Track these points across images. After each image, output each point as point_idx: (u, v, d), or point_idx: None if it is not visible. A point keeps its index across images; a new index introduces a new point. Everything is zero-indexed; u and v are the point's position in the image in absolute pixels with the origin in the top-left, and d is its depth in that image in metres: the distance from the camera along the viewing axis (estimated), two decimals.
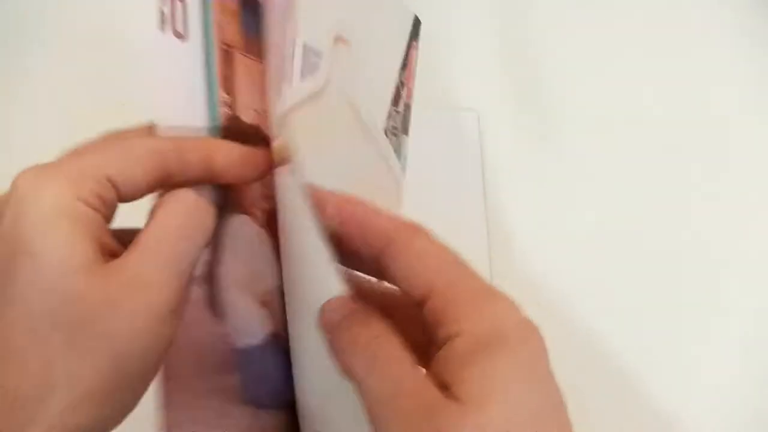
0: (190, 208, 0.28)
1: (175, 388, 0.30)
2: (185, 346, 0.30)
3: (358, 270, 0.29)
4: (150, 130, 0.30)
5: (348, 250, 0.28)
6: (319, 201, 0.28)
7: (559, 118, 0.59)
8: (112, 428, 0.26)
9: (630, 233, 0.54)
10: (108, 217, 0.27)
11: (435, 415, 0.23)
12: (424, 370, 0.25)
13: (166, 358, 0.28)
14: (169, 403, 0.30)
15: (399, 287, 0.27)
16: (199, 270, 0.30)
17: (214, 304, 0.30)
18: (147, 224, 0.27)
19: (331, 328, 0.27)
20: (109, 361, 0.25)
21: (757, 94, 0.58)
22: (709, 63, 0.60)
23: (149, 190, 0.28)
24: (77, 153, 0.28)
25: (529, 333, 0.25)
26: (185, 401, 0.30)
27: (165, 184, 0.28)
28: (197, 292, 0.30)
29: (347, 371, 0.26)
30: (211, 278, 0.30)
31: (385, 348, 0.25)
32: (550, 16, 0.64)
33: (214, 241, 0.30)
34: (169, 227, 0.27)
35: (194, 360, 0.30)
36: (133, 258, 0.26)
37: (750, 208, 0.55)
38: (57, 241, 0.24)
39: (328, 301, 0.27)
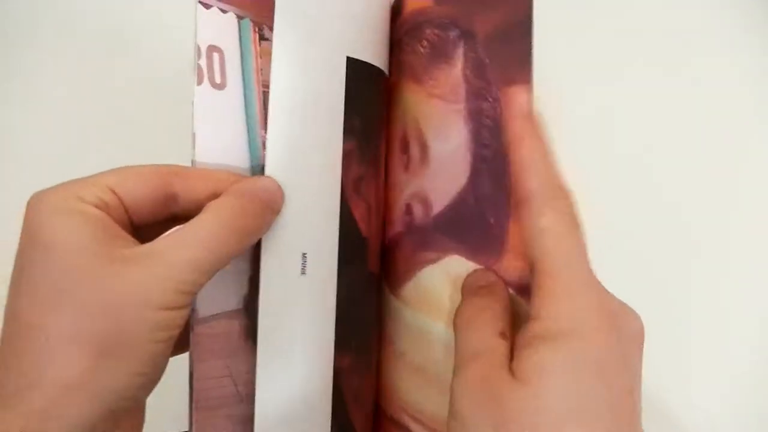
0: (226, 224, 0.29)
1: (206, 416, 0.31)
2: (221, 375, 0.32)
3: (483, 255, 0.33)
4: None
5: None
6: (521, 128, 0.31)
7: (559, 119, 0.59)
8: (112, 396, 0.27)
9: (631, 233, 0.55)
10: (116, 218, 0.29)
11: (497, 381, 0.26)
12: (506, 344, 0.28)
13: (196, 387, 0.31)
14: (198, 429, 0.32)
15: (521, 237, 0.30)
16: (241, 302, 0.32)
17: (253, 335, 0.32)
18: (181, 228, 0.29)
19: (467, 292, 0.32)
20: (111, 327, 0.26)
21: (761, 92, 0.58)
22: (711, 61, 0.60)
23: (157, 206, 0.30)
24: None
25: (602, 333, 0.26)
26: (216, 429, 0.32)
27: (172, 203, 0.30)
28: (237, 324, 0.32)
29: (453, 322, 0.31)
30: (250, 310, 0.32)
31: (483, 314, 0.29)
32: (550, 15, 0.63)
33: (255, 276, 0.32)
34: (195, 232, 0.28)
35: (230, 388, 0.32)
36: (149, 249, 0.28)
37: (753, 206, 0.55)
38: (61, 228, 0.27)
39: (476, 272, 0.32)
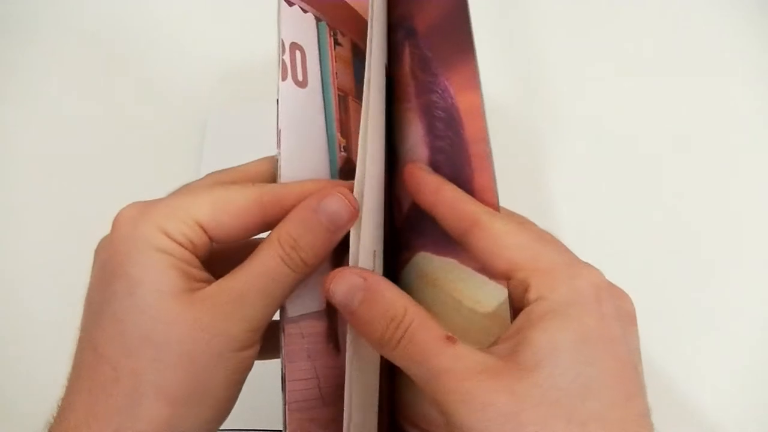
0: (288, 252, 0.29)
1: (297, 417, 0.31)
2: (308, 377, 0.32)
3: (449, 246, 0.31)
4: (268, 163, 0.32)
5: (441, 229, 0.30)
6: (416, 182, 0.31)
7: (560, 119, 0.61)
8: None
9: (631, 233, 0.55)
10: (198, 253, 0.29)
11: (494, 378, 0.25)
12: (454, 343, 0.26)
13: (288, 389, 0.31)
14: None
15: (483, 264, 0.29)
16: (323, 304, 0.32)
17: (334, 337, 0.32)
18: (245, 262, 0.29)
19: (351, 313, 0.28)
20: (192, 378, 0.27)
21: (763, 91, 0.60)
22: (710, 61, 0.62)
23: (248, 234, 0.30)
24: (177, 194, 0.31)
25: (604, 305, 0.26)
26: (307, 430, 0.31)
27: (262, 229, 0.30)
28: (321, 326, 0.32)
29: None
30: (331, 312, 0.32)
31: (414, 336, 0.27)
32: (551, 16, 0.65)
33: None
34: (260, 270, 0.29)
35: (315, 391, 0.32)
36: (223, 288, 0.28)
37: (754, 206, 0.56)
38: (149, 269, 0.27)
39: (338, 274, 0.29)
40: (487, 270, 0.29)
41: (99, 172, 0.60)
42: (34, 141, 0.61)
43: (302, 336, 0.31)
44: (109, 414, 0.26)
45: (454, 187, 0.30)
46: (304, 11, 0.32)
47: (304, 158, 0.32)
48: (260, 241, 0.30)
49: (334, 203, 0.29)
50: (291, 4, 0.32)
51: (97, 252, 0.29)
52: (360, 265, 0.30)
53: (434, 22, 0.30)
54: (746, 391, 0.50)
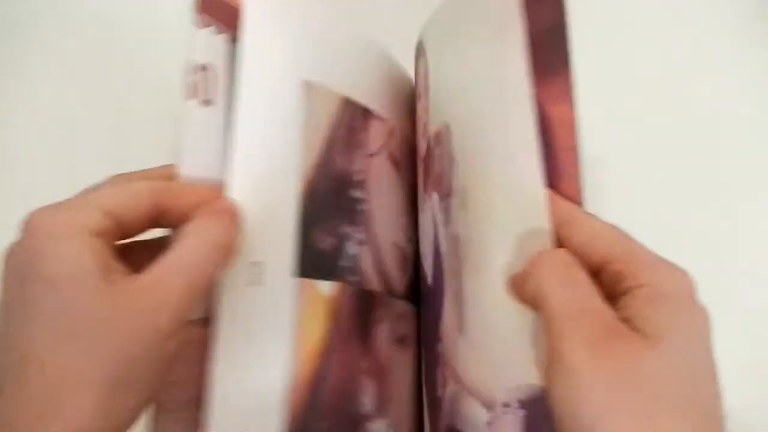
0: (209, 243, 0.30)
1: (167, 419, 0.32)
2: (183, 380, 0.32)
3: None
4: (170, 168, 0.33)
5: None
6: None
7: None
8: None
9: (631, 232, 0.55)
10: (110, 242, 0.29)
11: (617, 338, 0.26)
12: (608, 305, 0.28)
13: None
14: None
15: (576, 254, 0.30)
16: (202, 312, 0.32)
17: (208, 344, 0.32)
18: (167, 250, 0.29)
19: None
20: (117, 370, 0.27)
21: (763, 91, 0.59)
22: (710, 61, 0.61)
23: (147, 224, 0.31)
24: (82, 192, 0.31)
25: (699, 305, 0.28)
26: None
27: (160, 219, 0.31)
28: (197, 333, 0.32)
29: (533, 289, 0.30)
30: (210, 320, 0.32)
31: (576, 273, 0.29)
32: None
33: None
34: (184, 257, 0.29)
35: (190, 393, 0.32)
36: (147, 279, 0.28)
37: (754, 205, 0.56)
38: (68, 259, 0.27)
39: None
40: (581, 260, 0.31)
41: (99, 172, 0.60)
42: (34, 141, 0.62)
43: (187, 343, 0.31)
44: (35, 409, 0.26)
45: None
46: (217, 33, 0.33)
47: (202, 172, 0.33)
48: (167, 239, 0.31)
49: (227, 203, 0.32)
50: (203, 26, 0.33)
51: (7, 259, 0.29)
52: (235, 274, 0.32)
53: (532, 38, 0.32)
54: (746, 391, 0.47)
